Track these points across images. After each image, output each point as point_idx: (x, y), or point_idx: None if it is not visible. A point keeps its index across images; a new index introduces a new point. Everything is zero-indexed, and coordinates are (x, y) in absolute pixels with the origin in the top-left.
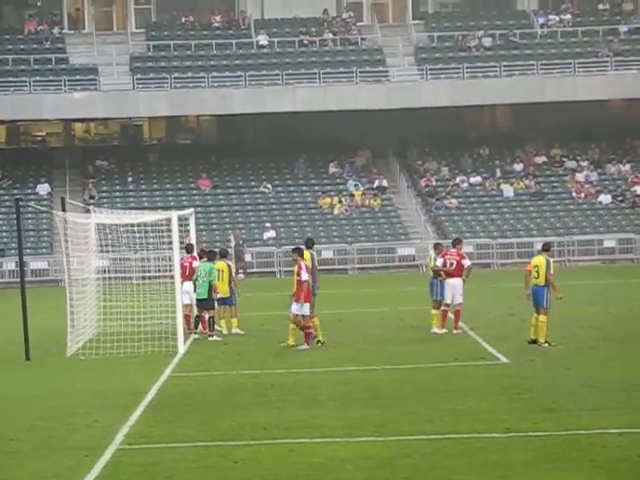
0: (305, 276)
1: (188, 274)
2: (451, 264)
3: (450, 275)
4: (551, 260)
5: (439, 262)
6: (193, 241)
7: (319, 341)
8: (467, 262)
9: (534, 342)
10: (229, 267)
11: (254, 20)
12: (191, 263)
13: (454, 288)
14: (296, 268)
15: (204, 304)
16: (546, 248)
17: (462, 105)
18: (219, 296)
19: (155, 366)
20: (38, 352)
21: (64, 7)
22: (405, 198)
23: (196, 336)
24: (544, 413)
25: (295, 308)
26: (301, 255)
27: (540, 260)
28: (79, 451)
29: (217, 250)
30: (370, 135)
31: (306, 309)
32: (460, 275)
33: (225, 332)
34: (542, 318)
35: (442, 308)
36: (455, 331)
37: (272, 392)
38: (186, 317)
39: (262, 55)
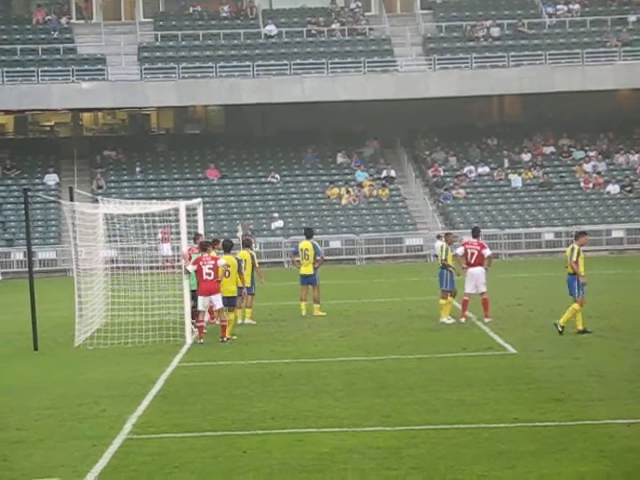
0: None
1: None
2: (472, 254)
3: (471, 265)
4: (576, 248)
5: (459, 251)
6: (201, 231)
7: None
8: (488, 251)
9: (583, 332)
10: (252, 257)
11: (262, 10)
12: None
13: (477, 278)
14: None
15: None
16: (575, 236)
17: (470, 95)
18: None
19: (163, 356)
20: (46, 342)
21: None
22: (413, 188)
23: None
24: (552, 403)
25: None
26: (204, 249)
27: (568, 249)
28: (87, 441)
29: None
30: (378, 125)
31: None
32: (482, 264)
33: (239, 321)
34: (575, 306)
35: (464, 298)
36: (486, 319)
37: (280, 382)
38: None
39: (270, 45)
